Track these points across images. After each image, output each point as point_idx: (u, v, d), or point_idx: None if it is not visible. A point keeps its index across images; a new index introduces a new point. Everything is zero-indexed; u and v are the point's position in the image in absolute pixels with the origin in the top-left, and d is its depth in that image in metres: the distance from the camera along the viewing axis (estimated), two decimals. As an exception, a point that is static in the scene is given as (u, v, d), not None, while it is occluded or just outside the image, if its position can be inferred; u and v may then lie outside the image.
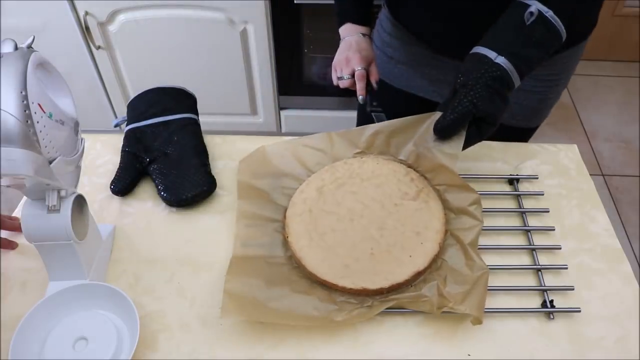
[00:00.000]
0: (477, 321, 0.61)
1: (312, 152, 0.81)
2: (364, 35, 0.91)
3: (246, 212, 0.74)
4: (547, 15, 0.67)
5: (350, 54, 0.89)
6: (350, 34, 0.91)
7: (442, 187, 0.75)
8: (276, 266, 0.69)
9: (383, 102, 1.04)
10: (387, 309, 0.65)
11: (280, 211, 0.76)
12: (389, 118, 0.82)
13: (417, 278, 0.67)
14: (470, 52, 0.71)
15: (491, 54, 0.68)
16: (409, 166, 0.78)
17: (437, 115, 0.74)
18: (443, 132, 0.72)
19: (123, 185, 0.80)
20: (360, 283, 0.65)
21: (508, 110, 0.70)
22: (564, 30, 0.69)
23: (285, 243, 0.71)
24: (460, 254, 0.68)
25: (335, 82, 0.92)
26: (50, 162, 0.55)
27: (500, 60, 0.67)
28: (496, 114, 0.69)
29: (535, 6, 0.67)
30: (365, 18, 0.93)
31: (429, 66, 0.94)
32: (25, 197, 0.62)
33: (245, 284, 0.66)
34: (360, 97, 0.88)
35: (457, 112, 0.68)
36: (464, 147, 0.72)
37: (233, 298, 0.64)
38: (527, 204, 0.79)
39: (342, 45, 0.92)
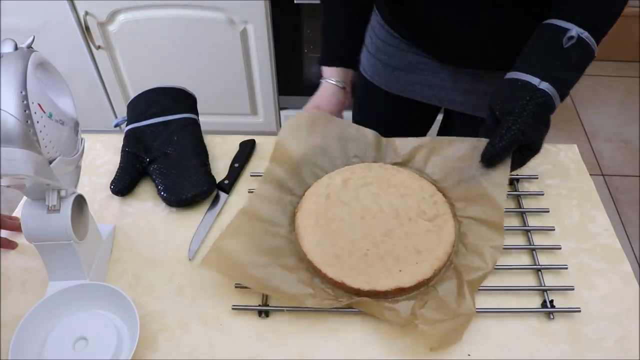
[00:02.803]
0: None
1: (357, 143, 0.82)
2: (336, 83, 0.87)
3: (273, 176, 0.76)
4: (583, 36, 0.67)
5: (305, 107, 0.88)
6: (326, 77, 0.88)
7: (466, 220, 0.72)
8: (274, 236, 0.71)
9: (381, 109, 1.04)
10: (356, 308, 0.65)
11: (302, 187, 0.77)
12: (386, 124, 0.83)
13: (399, 294, 0.65)
14: (508, 77, 0.71)
15: (534, 80, 0.68)
16: (440, 190, 0.76)
17: (482, 141, 0.73)
18: (492, 161, 0.71)
19: (123, 185, 0.80)
20: (341, 276, 0.65)
21: None
22: (597, 47, 0.69)
23: (293, 219, 0.73)
24: (454, 289, 0.65)
25: None
26: (50, 162, 0.55)
27: (544, 85, 0.67)
28: (541, 140, 0.69)
29: (575, 30, 0.67)
30: (351, 61, 0.90)
31: (425, 71, 0.94)
32: (25, 197, 0.62)
33: (236, 244, 0.67)
34: None
35: (506, 140, 0.68)
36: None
37: (218, 253, 0.66)
38: (527, 204, 0.79)
39: (318, 92, 0.89)
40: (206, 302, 0.68)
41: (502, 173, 0.72)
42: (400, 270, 0.66)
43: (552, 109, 0.69)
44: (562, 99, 0.69)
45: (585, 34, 0.67)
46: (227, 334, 0.65)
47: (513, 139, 0.68)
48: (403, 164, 0.80)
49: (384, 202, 0.73)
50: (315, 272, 0.67)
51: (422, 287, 0.66)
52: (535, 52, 0.70)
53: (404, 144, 0.81)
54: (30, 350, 0.60)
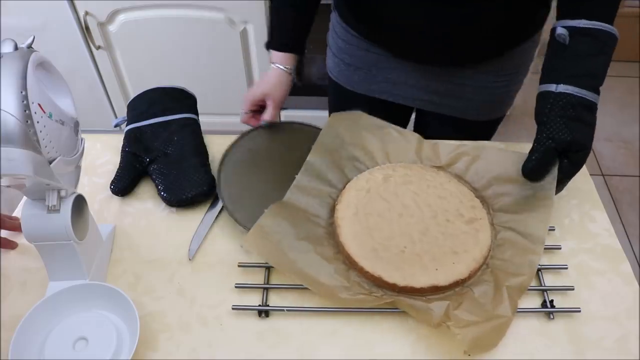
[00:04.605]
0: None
1: (398, 144, 0.83)
2: (286, 69, 0.87)
3: (313, 168, 0.77)
4: (581, 26, 0.67)
5: (251, 92, 0.88)
6: (275, 62, 0.88)
7: (504, 230, 0.73)
8: (314, 225, 0.72)
9: (348, 109, 1.03)
10: (388, 307, 0.65)
11: (343, 181, 0.78)
12: None
13: (434, 292, 0.66)
14: (537, 94, 0.71)
15: (551, 87, 0.68)
16: (479, 197, 0.76)
17: (520, 155, 0.74)
18: (532, 174, 0.71)
19: (123, 185, 0.80)
20: (378, 270, 0.66)
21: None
22: (611, 26, 0.68)
23: (333, 210, 0.74)
24: (490, 292, 0.65)
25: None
26: (50, 162, 0.55)
27: (562, 88, 0.67)
28: (580, 139, 0.67)
29: (559, 26, 0.68)
30: (297, 46, 0.89)
31: (387, 69, 0.93)
32: (25, 197, 0.62)
33: (278, 225, 0.69)
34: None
35: (539, 150, 0.68)
36: (566, 182, 0.72)
37: (260, 233, 0.68)
38: (527, 204, 0.79)
39: (267, 77, 0.88)
40: (206, 302, 0.68)
41: (547, 188, 0.72)
42: (436, 269, 0.66)
43: (586, 103, 0.67)
44: (595, 89, 0.68)
45: (582, 22, 0.67)
46: (227, 334, 0.65)
47: (545, 148, 0.68)
48: (443, 167, 0.81)
49: (423, 201, 0.74)
50: (351, 265, 0.68)
51: (458, 287, 0.66)
52: (546, 62, 0.71)
53: (446, 148, 0.82)
54: (30, 350, 0.60)
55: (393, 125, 0.84)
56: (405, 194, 0.75)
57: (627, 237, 1.76)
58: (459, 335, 0.60)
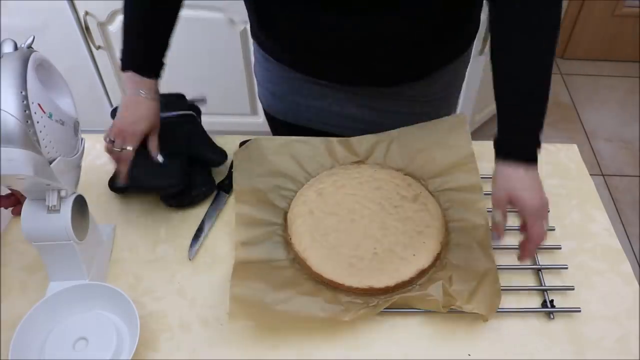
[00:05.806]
0: (484, 318, 0.63)
1: (310, 155, 0.81)
2: (145, 95, 0.73)
3: (245, 215, 0.73)
4: None
5: (126, 125, 0.72)
6: (132, 88, 0.73)
7: (444, 193, 0.76)
8: (280, 269, 0.68)
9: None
10: (392, 307, 0.65)
11: (279, 214, 0.75)
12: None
13: (422, 277, 0.67)
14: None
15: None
16: (408, 174, 0.79)
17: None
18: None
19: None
20: (366, 282, 0.65)
21: None
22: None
23: (287, 245, 0.71)
24: (464, 253, 0.69)
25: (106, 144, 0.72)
26: (50, 162, 0.55)
27: None
28: None
29: None
30: (151, 68, 0.77)
31: (310, 95, 0.87)
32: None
33: (250, 288, 0.64)
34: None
35: None
36: None
37: (240, 302, 0.63)
38: (527, 204, 0.79)
39: (124, 105, 0.73)
40: (206, 302, 0.68)
41: (461, 138, 0.79)
42: (414, 255, 0.67)
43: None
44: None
45: None
46: (227, 334, 0.65)
47: None
48: (362, 161, 0.81)
49: (364, 199, 0.74)
50: (335, 288, 0.66)
51: (437, 263, 0.68)
52: None
53: (360, 142, 0.82)
54: (30, 350, 0.60)
55: (294, 137, 0.82)
56: (345, 199, 0.74)
57: (627, 237, 1.76)
58: (474, 309, 0.62)
